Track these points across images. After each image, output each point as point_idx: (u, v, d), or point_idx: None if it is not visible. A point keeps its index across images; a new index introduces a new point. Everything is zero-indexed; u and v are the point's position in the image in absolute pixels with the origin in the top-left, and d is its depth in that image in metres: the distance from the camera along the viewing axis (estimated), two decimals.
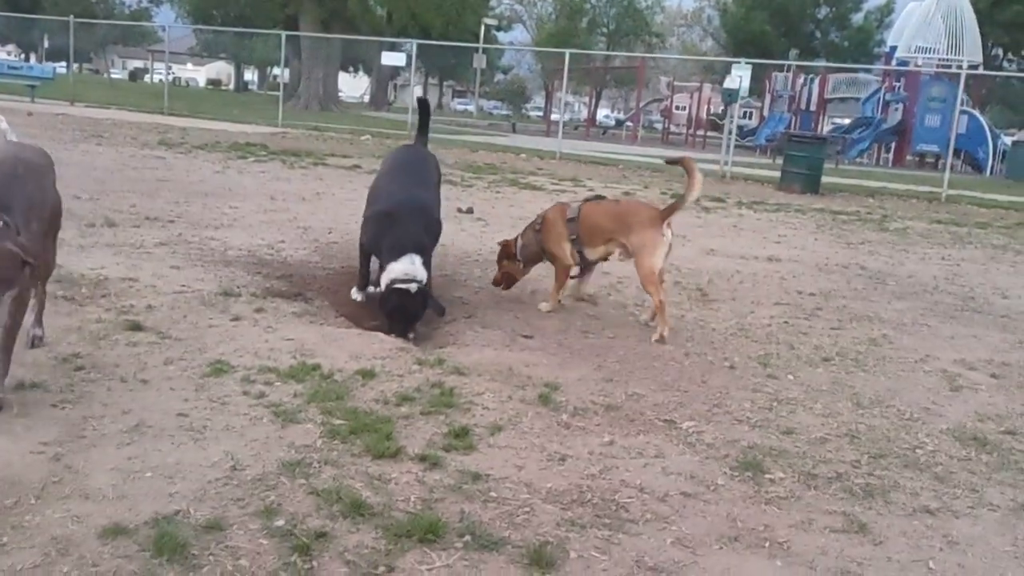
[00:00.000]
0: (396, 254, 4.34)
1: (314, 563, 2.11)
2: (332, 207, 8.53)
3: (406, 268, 4.30)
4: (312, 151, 14.78)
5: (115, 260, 5.21)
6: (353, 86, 61.21)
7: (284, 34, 22.14)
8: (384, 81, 54.24)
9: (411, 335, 4.27)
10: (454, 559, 2.19)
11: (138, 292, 4.51)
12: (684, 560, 2.30)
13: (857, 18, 53.78)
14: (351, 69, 60.21)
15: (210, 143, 14.56)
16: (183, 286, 4.72)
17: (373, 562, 2.13)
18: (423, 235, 4.53)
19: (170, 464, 2.55)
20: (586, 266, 5.22)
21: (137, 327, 3.85)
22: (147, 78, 62.83)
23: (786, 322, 5.24)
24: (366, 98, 55.90)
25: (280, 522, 2.27)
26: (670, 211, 4.76)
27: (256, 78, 77.86)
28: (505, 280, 5.30)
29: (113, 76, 56.00)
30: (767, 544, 2.43)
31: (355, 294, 4.98)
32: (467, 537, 2.29)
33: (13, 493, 2.32)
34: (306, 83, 33.73)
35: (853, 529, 2.55)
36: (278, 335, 3.96)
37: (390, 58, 22.48)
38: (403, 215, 4.53)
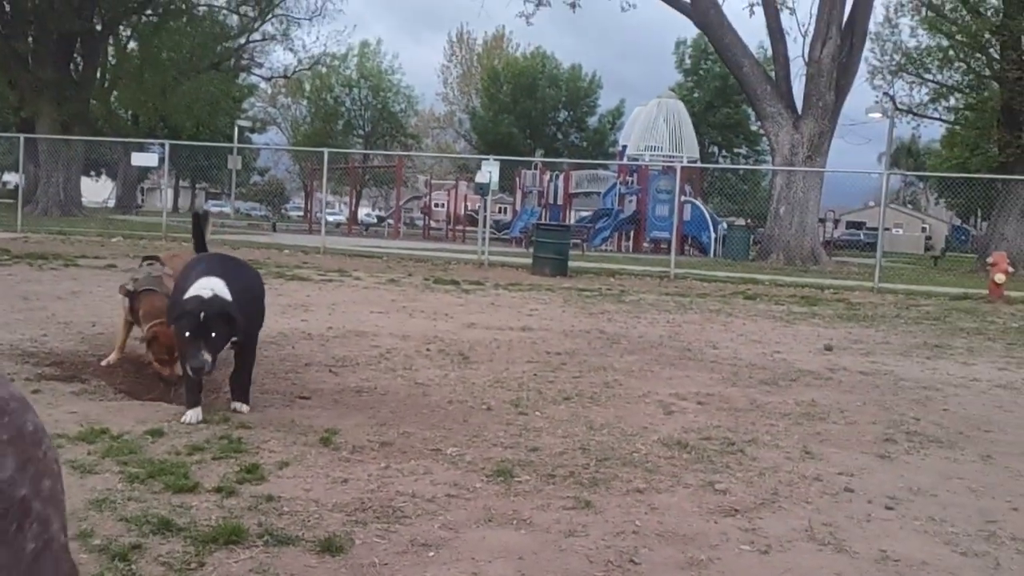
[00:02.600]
0: (194, 282, 4.12)
1: (133, 566, 2.44)
2: (92, 304, 8.44)
3: (202, 283, 4.08)
4: (60, 253, 14.22)
5: None
6: (95, 191, 58.20)
7: (23, 137, 21.12)
8: (131, 184, 52.15)
9: (207, 357, 3.88)
10: (256, 552, 2.60)
11: None
12: (449, 537, 2.84)
13: (593, 121, 59.08)
14: (92, 173, 57.44)
15: None
16: None
17: (186, 561, 2.50)
18: (228, 272, 4.31)
19: None
20: None
21: None
22: None
23: (536, 374, 6.01)
24: (111, 202, 53.37)
25: (96, 541, 2.58)
26: None
27: None
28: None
29: None
30: (514, 521, 3.03)
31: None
32: (266, 537, 2.71)
33: None
34: (44, 188, 31.87)
35: (580, 506, 3.22)
36: (61, 409, 4.12)
37: (141, 159, 22.00)
38: (202, 268, 4.36)
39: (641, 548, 2.85)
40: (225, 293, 4.07)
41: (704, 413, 5.08)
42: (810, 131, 22.80)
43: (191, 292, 4.01)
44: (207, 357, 3.87)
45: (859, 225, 56.47)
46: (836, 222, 46.59)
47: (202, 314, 3.89)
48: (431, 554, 2.70)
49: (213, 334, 3.92)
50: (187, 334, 3.90)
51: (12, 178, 65.28)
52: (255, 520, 2.84)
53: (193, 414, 4.12)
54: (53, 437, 3.58)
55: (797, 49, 24.36)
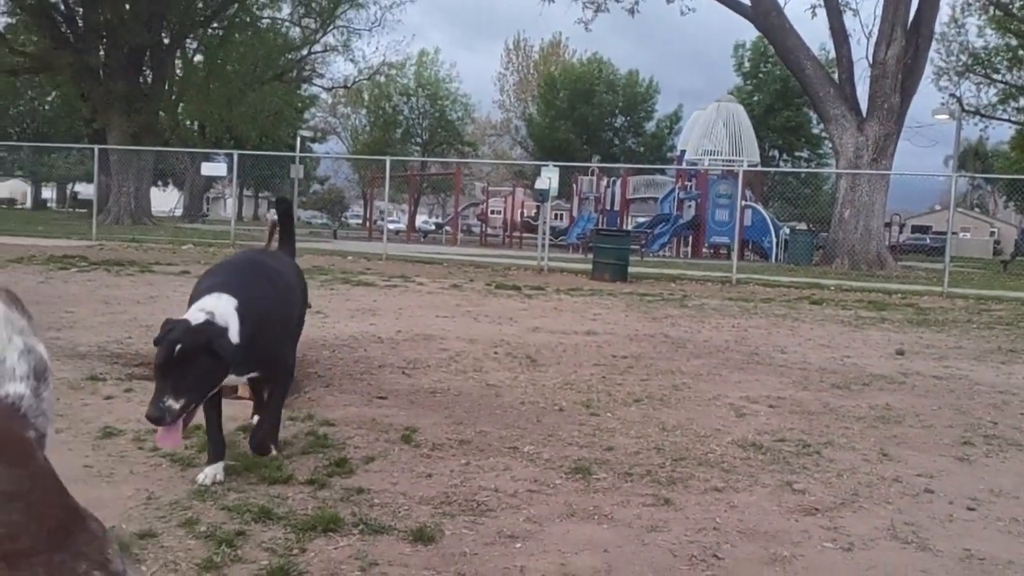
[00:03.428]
0: (200, 296, 3.14)
1: (238, 551, 2.57)
2: (170, 308, 8.72)
3: (206, 302, 3.06)
4: (135, 260, 14.70)
5: None
6: (162, 200, 59.92)
7: (97, 148, 21.86)
8: (198, 194, 53.56)
9: (172, 405, 2.78)
10: (354, 540, 2.71)
11: None
12: (534, 529, 2.92)
13: (650, 126, 58.82)
14: (159, 183, 59.20)
15: (24, 256, 14.21)
16: None
17: (288, 547, 2.62)
18: (248, 284, 3.25)
19: (91, 499, 2.92)
20: None
21: None
22: None
23: (604, 377, 6.06)
24: (178, 211, 54.86)
25: (202, 528, 2.73)
26: None
27: (55, 195, 74.67)
28: None
29: None
30: (596, 516, 3.10)
31: None
32: (361, 526, 2.82)
33: None
34: (116, 197, 32.96)
35: (660, 503, 3.28)
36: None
37: (210, 168, 22.64)
38: (218, 278, 3.30)
39: (723, 544, 2.90)
40: (229, 319, 3.00)
41: (776, 416, 5.08)
42: (875, 133, 22.42)
43: (186, 314, 3.05)
44: (171, 405, 2.77)
45: (925, 229, 55.24)
46: (902, 226, 45.65)
47: (177, 347, 2.82)
48: (518, 545, 2.78)
49: (190, 376, 2.84)
50: (156, 370, 2.87)
51: (82, 188, 67.54)
52: (349, 510, 2.96)
53: (212, 471, 3.23)
54: (151, 431, 3.75)
55: (861, 51, 24.02)
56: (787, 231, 30.08)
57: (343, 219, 63.63)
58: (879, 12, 22.85)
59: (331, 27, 40.15)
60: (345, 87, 51.02)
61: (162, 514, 2.83)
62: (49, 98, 47.14)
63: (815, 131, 49.38)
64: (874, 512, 3.33)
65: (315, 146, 60.03)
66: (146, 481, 3.16)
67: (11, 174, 69.47)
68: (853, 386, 6.13)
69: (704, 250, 30.94)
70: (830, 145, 26.60)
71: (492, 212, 41.49)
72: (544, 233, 18.66)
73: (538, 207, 30.77)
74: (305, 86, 50.59)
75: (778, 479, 3.72)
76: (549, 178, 17.60)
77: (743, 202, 24.36)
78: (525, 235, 36.58)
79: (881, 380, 6.43)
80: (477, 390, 5.35)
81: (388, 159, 21.28)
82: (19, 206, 66.68)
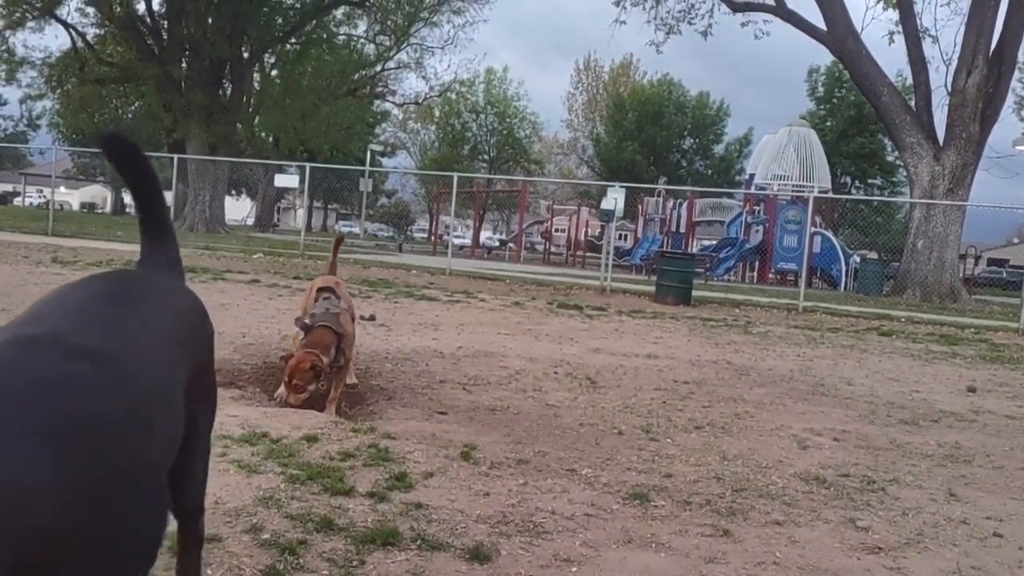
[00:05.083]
0: None
1: (300, 560, 2.63)
2: (240, 316, 8.95)
3: None
4: (208, 268, 15.09)
5: None
6: (235, 209, 61.39)
7: (176, 157, 22.56)
8: (270, 204, 54.74)
9: None
10: (411, 555, 2.75)
11: None
12: (590, 555, 2.92)
13: (719, 149, 58.29)
14: (233, 192, 60.68)
15: (104, 261, 14.71)
16: None
17: (348, 559, 2.67)
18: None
19: None
20: None
21: None
22: (16, 201, 61.34)
23: (664, 402, 6.02)
24: (250, 220, 56.13)
25: (266, 536, 2.79)
26: None
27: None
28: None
29: None
30: (653, 544, 3.08)
31: None
32: (419, 542, 2.86)
33: None
34: (192, 205, 33.90)
35: (719, 534, 3.24)
36: (222, 413, 4.41)
37: (284, 180, 23.20)
38: None
39: None
40: None
41: (841, 450, 4.98)
42: (952, 163, 21.86)
43: None
44: None
45: (1001, 263, 53.54)
46: (977, 259, 44.34)
47: None
48: (574, 570, 2.79)
49: None
50: None
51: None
52: (407, 525, 3.01)
53: None
54: (219, 437, 3.86)
55: (939, 78, 23.38)
56: (857, 260, 29.46)
57: (409, 233, 64.37)
58: (960, 40, 22.35)
59: (405, 44, 40.73)
60: (416, 103, 51.66)
61: (228, 519, 2.91)
62: (132, 107, 48.82)
63: (890, 158, 48.31)
64: (939, 554, 3.24)
65: (384, 160, 60.99)
66: (212, 486, 3.23)
67: (93, 180, 72.04)
68: (921, 422, 5.99)
69: (770, 276, 30.48)
70: (905, 173, 26.01)
71: (556, 230, 41.55)
72: (608, 253, 18.61)
73: (602, 227, 30.68)
74: (377, 102, 51.41)
75: (841, 515, 3.65)
76: (615, 199, 17.59)
77: (812, 228, 23.94)
78: (588, 254, 36.54)
79: (951, 417, 6.26)
80: (536, 410, 5.37)
81: (455, 175, 21.51)
82: (99, 211, 68.99)
